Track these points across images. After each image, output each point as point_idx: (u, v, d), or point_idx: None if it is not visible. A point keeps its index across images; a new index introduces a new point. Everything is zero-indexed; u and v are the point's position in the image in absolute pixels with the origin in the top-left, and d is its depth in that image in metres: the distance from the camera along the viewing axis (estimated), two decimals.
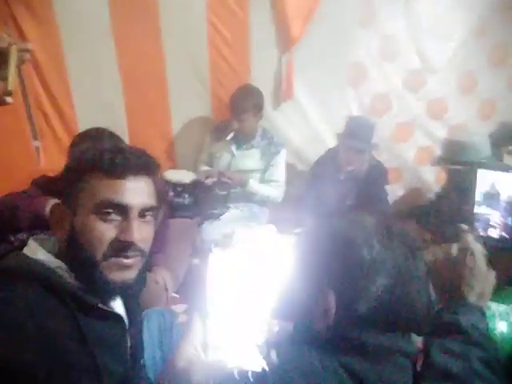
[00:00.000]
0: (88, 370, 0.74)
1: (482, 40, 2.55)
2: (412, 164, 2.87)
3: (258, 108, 2.24)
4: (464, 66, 2.62)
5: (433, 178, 2.91)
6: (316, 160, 2.42)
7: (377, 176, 2.27)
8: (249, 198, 2.43)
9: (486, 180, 1.05)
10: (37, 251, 0.79)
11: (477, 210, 1.08)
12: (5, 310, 0.65)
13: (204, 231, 2.29)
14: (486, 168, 1.07)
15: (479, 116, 2.76)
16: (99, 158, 0.78)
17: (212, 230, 2.30)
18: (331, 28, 2.38)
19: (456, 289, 0.75)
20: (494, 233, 1.07)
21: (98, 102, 2.31)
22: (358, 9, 2.40)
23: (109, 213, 0.76)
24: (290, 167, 2.70)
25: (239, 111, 2.18)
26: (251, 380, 0.59)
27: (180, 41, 2.30)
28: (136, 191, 0.78)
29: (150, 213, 0.82)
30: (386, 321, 0.63)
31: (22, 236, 1.30)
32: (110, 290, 0.79)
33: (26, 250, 0.81)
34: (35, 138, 2.27)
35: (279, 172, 2.41)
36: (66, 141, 2.30)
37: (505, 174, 1.03)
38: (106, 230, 0.76)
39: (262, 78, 2.42)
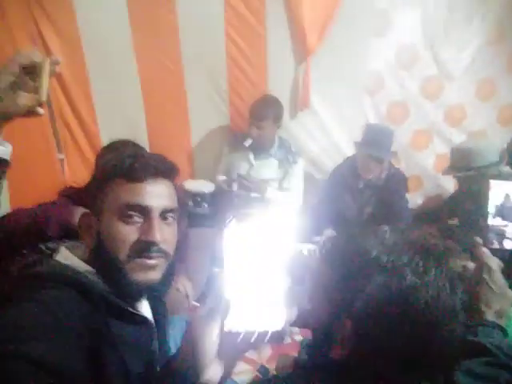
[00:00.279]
0: (118, 374, 0.75)
1: (500, 46, 2.53)
2: (431, 171, 2.84)
3: (278, 117, 2.27)
4: (482, 72, 2.60)
5: (452, 186, 2.88)
6: (334, 168, 2.43)
7: (396, 184, 2.26)
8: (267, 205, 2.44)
9: (499, 191, 1.03)
10: (68, 257, 0.82)
11: (491, 221, 1.06)
12: (41, 313, 0.66)
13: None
14: (499, 179, 1.05)
15: (499, 122, 2.72)
16: (120, 164, 0.81)
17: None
18: (347, 38, 2.40)
19: (474, 307, 0.73)
20: (510, 244, 1.04)
21: (119, 115, 2.38)
22: (374, 19, 2.42)
23: (131, 215, 0.79)
24: (307, 176, 2.71)
25: (259, 118, 2.22)
26: (269, 339, 0.62)
27: (198, 54, 2.35)
28: (156, 193, 0.81)
29: (172, 214, 0.83)
30: (410, 357, 0.59)
31: (52, 245, 1.33)
32: (135, 291, 0.82)
33: (57, 257, 0.83)
34: (60, 151, 2.34)
35: (297, 181, 2.43)
36: (89, 154, 2.39)
37: None
38: (129, 232, 0.78)
39: (279, 89, 2.46)
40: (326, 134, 2.64)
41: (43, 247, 1.36)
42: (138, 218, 0.79)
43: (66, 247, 0.86)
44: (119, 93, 2.35)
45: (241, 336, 0.63)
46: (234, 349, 0.66)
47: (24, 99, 0.71)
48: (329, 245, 0.73)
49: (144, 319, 0.85)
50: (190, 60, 2.37)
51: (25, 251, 1.38)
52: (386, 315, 0.60)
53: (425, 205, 2.88)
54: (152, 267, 0.80)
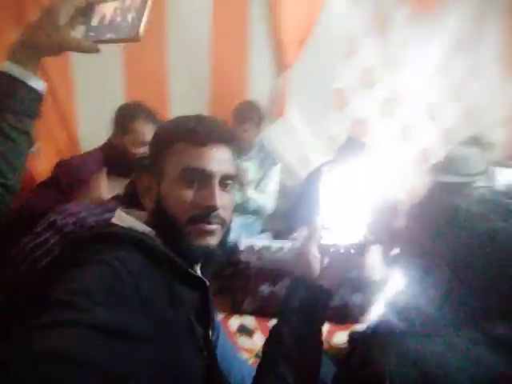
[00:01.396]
0: (185, 334, 0.75)
1: (443, 76, 2.97)
2: (386, 182, 3.15)
3: (260, 120, 2.40)
4: (428, 98, 3.02)
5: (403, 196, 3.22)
6: (311, 171, 2.60)
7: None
8: (244, 208, 2.53)
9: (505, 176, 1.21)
10: (126, 219, 0.81)
11: None
12: (106, 274, 0.65)
13: None
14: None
15: (443, 140, 3.15)
16: (182, 127, 0.81)
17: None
18: (320, 57, 2.66)
19: None
20: None
21: (100, 110, 2.32)
22: (342, 42, 2.72)
23: (192, 179, 0.78)
24: (279, 182, 2.87)
25: (242, 120, 2.32)
26: (353, 251, 0.81)
27: (184, 58, 2.43)
28: (218, 159, 0.80)
29: (230, 182, 0.83)
30: None
31: (70, 219, 1.29)
32: (194, 255, 0.81)
33: (115, 220, 0.82)
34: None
35: (273, 184, 2.55)
36: (66, 149, 2.29)
37: None
38: (190, 196, 0.78)
39: (257, 98, 2.60)
40: (298, 143, 2.83)
41: (58, 222, 1.30)
42: (198, 182, 0.79)
43: (122, 211, 0.84)
44: (101, 88, 2.30)
45: (332, 248, 0.82)
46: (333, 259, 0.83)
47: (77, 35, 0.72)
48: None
49: (203, 283, 0.84)
50: (175, 62, 2.42)
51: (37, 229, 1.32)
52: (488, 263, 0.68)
53: None
54: (210, 232, 0.79)
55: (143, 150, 1.70)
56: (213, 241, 0.80)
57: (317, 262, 0.82)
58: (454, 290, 0.71)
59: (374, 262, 1.11)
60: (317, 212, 0.83)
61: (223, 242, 0.85)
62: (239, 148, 0.91)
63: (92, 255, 0.68)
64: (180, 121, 0.83)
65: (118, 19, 0.71)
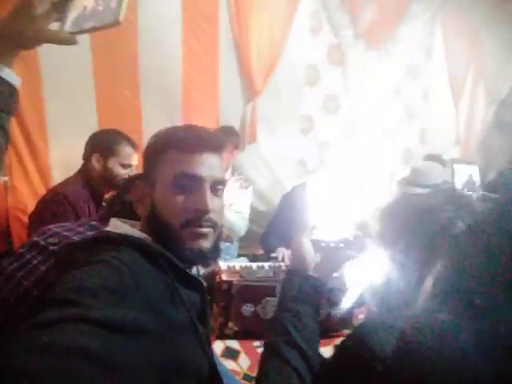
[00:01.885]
0: (189, 332, 0.77)
1: (399, 100, 3.21)
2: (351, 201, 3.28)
3: (235, 147, 2.47)
4: (387, 121, 3.24)
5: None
6: (284, 195, 2.67)
7: None
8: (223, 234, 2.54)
9: (463, 172, 1.37)
10: (121, 227, 0.83)
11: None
12: (111, 275, 0.66)
13: None
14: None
15: (402, 160, 3.35)
16: (172, 136, 0.84)
17: None
18: (286, 85, 2.81)
19: None
20: None
21: (72, 140, 2.31)
22: (306, 71, 2.90)
23: (184, 184, 0.81)
24: (252, 207, 2.92)
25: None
26: (342, 245, 0.90)
27: (156, 87, 2.49)
28: (208, 164, 0.83)
29: (221, 187, 0.86)
30: None
31: (53, 240, 1.27)
32: (189, 258, 0.83)
33: (110, 228, 0.84)
34: (4, 174, 2.16)
35: (246, 205, 2.59)
36: (36, 178, 2.24)
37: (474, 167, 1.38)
38: (182, 201, 0.80)
39: (229, 123, 2.68)
40: (269, 168, 2.92)
41: (42, 242, 1.28)
42: (190, 188, 0.81)
43: (114, 220, 0.86)
44: (74, 118, 2.31)
45: (322, 243, 0.91)
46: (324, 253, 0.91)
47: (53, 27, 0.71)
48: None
49: (201, 284, 0.87)
50: (148, 93, 2.48)
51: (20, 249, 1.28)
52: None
53: None
54: (203, 235, 0.81)
55: (127, 172, 1.77)
56: (206, 243, 0.82)
57: (311, 255, 0.88)
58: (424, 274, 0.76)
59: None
60: (306, 214, 0.91)
61: (216, 245, 0.88)
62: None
63: (91, 257, 0.69)
64: (171, 131, 0.87)
65: (100, 8, 0.73)
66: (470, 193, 1.30)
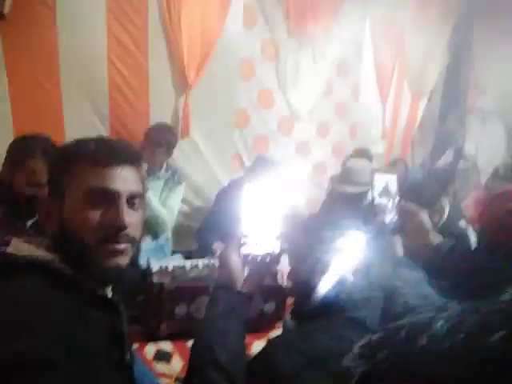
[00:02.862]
0: (100, 357, 0.74)
1: (329, 98, 3.31)
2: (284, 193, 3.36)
3: (172, 146, 2.40)
4: (319, 116, 3.33)
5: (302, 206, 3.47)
6: (220, 190, 2.66)
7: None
8: (154, 231, 2.48)
9: (381, 180, 1.45)
10: (25, 248, 0.77)
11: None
12: (8, 305, 0.63)
13: None
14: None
15: (333, 156, 3.48)
16: (84, 148, 0.79)
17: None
18: (221, 79, 2.77)
19: None
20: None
21: None
22: (240, 65, 2.87)
23: (97, 200, 0.77)
24: (188, 202, 2.88)
25: (154, 145, 2.29)
26: (268, 260, 0.92)
27: (79, 78, 2.33)
28: (123, 178, 0.79)
29: (138, 200, 0.83)
30: None
31: None
32: (105, 276, 0.80)
33: (11, 250, 0.77)
34: None
35: (175, 199, 2.52)
36: None
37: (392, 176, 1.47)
38: (96, 217, 0.76)
39: (160, 117, 2.59)
40: (204, 163, 2.88)
41: None
42: (104, 203, 0.77)
43: (19, 239, 0.79)
44: None
45: (250, 257, 0.92)
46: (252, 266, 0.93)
47: None
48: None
49: (113, 303, 0.83)
50: (70, 84, 2.31)
51: None
52: None
53: None
54: (120, 252, 0.78)
55: (35, 191, 1.46)
56: (123, 260, 0.79)
57: (238, 269, 0.89)
58: None
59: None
60: (236, 223, 0.91)
61: (134, 260, 0.85)
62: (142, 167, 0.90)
63: None
64: (81, 143, 0.81)
65: None
66: (386, 200, 1.39)
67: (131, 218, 0.79)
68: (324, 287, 0.95)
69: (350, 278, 0.95)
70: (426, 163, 4.08)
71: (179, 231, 2.71)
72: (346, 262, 0.98)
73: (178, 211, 2.58)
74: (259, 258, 0.91)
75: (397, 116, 3.76)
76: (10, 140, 2.15)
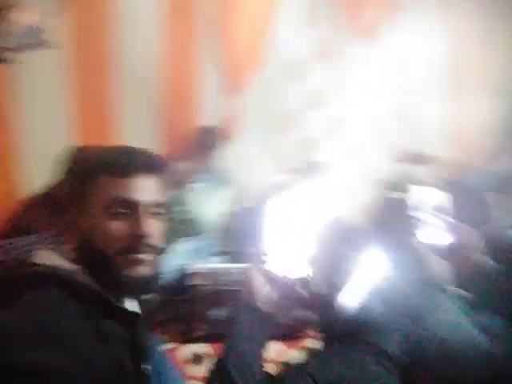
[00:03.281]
0: (114, 371, 0.74)
1: (387, 94, 3.12)
2: (335, 199, 3.24)
3: (218, 148, 2.44)
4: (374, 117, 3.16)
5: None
6: (263, 192, 2.62)
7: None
8: (198, 232, 2.52)
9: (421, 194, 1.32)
10: (50, 258, 0.79)
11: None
12: (28, 316, 0.64)
13: None
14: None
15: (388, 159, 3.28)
16: (104, 159, 0.81)
17: (163, 263, 2.32)
18: (271, 79, 2.72)
19: None
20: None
21: (38, 132, 2.22)
22: (291, 65, 2.80)
23: (119, 210, 0.78)
24: (233, 204, 2.87)
25: (201, 147, 2.33)
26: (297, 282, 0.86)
27: (130, 80, 2.39)
28: (144, 187, 0.80)
29: (159, 209, 0.83)
30: None
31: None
32: (126, 287, 0.80)
33: (36, 260, 0.78)
34: None
35: (220, 202, 2.56)
36: None
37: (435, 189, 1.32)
38: (118, 228, 0.77)
39: (210, 119, 2.62)
40: (252, 165, 2.86)
41: None
42: (126, 213, 0.78)
43: (44, 250, 0.82)
44: (41, 107, 2.18)
45: (276, 277, 0.86)
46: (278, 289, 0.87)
47: None
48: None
49: (134, 315, 0.83)
50: (122, 84, 2.38)
51: None
52: None
53: None
54: (141, 262, 0.79)
55: None
56: (144, 270, 0.79)
57: (261, 287, 0.85)
58: None
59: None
60: (263, 238, 0.88)
61: (157, 270, 0.84)
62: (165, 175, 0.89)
63: (10, 297, 0.66)
64: (101, 153, 0.83)
65: (33, 26, 0.69)
66: (426, 215, 1.26)
67: (152, 228, 0.79)
68: (350, 306, 0.89)
69: (376, 297, 0.88)
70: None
71: (223, 232, 2.71)
72: (373, 280, 0.91)
73: (222, 212, 2.60)
74: (287, 280, 0.85)
75: (466, 116, 3.43)
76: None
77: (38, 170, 1.88)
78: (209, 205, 2.49)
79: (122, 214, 0.78)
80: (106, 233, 0.77)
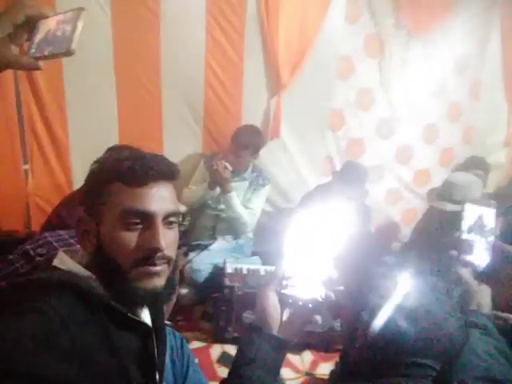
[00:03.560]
0: (122, 377, 0.74)
1: (443, 96, 2.93)
2: (381, 204, 3.10)
3: (257, 148, 2.41)
4: (427, 118, 2.98)
5: (399, 218, 3.18)
6: (306, 193, 2.57)
7: (363, 216, 2.46)
8: (235, 231, 2.52)
9: (473, 213, 1.20)
10: (67, 262, 0.80)
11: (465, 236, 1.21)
12: (39, 323, 0.64)
13: (194, 261, 2.32)
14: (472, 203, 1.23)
15: (441, 161, 3.09)
16: (119, 167, 0.77)
17: (201, 260, 2.35)
18: (315, 78, 2.64)
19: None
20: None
21: (92, 130, 2.35)
22: (339, 63, 2.70)
23: (133, 221, 0.76)
24: (273, 204, 2.85)
25: (240, 147, 2.32)
26: (311, 306, 0.79)
27: (178, 79, 2.43)
28: (159, 198, 0.77)
29: (174, 219, 0.81)
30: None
31: (41, 250, 1.29)
32: (140, 299, 0.79)
33: (56, 263, 0.81)
34: (25, 163, 2.25)
35: (258, 202, 2.53)
36: (56, 164, 2.32)
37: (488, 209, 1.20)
38: (132, 239, 0.75)
39: (252, 118, 2.59)
40: (292, 164, 2.81)
41: (31, 252, 1.31)
42: (140, 224, 0.76)
43: (65, 252, 0.83)
44: (94, 107, 2.33)
45: (291, 299, 0.80)
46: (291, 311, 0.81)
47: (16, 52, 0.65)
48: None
49: (146, 326, 0.82)
50: (169, 84, 2.43)
51: (11, 256, 1.32)
52: None
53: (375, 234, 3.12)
54: (156, 274, 0.78)
55: None
56: (159, 282, 0.78)
57: (276, 311, 0.79)
58: None
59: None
60: (281, 257, 0.82)
61: (170, 280, 0.84)
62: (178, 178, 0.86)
63: (26, 302, 0.67)
64: (116, 160, 0.80)
65: (59, 33, 0.69)
66: (477, 237, 1.15)
67: (167, 238, 0.78)
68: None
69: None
70: None
71: (262, 232, 2.70)
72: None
73: (261, 212, 2.58)
74: (301, 303, 0.80)
75: None
76: (116, 136, 2.39)
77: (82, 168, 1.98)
78: (247, 204, 2.48)
79: (137, 225, 0.76)
80: (121, 244, 0.75)
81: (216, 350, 1.95)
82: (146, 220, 0.76)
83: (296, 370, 1.88)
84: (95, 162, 0.83)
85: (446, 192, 2.09)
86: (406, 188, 3.11)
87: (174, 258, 0.81)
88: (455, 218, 1.98)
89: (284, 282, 0.81)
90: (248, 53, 2.50)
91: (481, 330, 0.89)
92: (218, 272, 2.25)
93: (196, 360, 1.71)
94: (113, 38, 2.25)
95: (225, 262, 2.21)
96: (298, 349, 2.00)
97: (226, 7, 2.38)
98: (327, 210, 0.83)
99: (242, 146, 2.32)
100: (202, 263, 2.31)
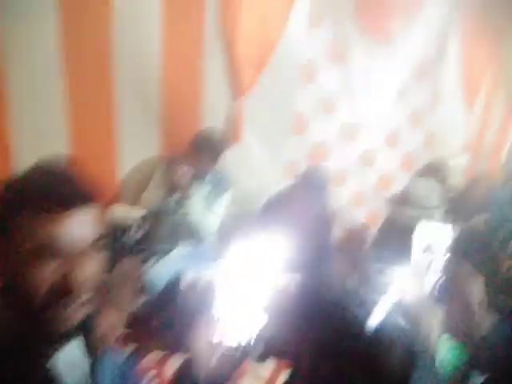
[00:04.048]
0: None
1: (405, 101, 2.97)
2: (345, 207, 3.12)
3: (218, 153, 2.36)
4: (389, 123, 3.01)
5: (364, 221, 3.20)
6: (266, 201, 2.54)
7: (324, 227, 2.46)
8: (196, 236, 2.46)
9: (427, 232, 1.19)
10: None
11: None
12: None
13: (152, 270, 2.25)
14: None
15: (402, 168, 3.14)
16: (30, 193, 0.68)
17: (159, 268, 2.27)
18: (278, 82, 2.61)
19: None
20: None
21: (38, 132, 2.20)
22: (303, 67, 2.69)
23: (49, 253, 0.66)
24: (237, 207, 2.80)
25: (200, 151, 2.26)
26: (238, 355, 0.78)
27: (133, 79, 2.33)
28: (77, 225, 0.69)
29: (98, 242, 0.73)
30: None
31: None
32: (62, 334, 0.72)
33: None
34: None
35: (221, 206, 2.49)
36: None
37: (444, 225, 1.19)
38: (48, 272, 0.66)
39: (213, 120, 2.54)
40: (256, 168, 2.78)
41: None
42: (57, 256, 0.66)
43: None
44: (39, 107, 2.18)
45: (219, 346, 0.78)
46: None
47: None
48: None
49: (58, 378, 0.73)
50: (124, 84, 2.32)
51: None
52: None
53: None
54: (78, 309, 0.70)
55: None
56: (82, 314, 0.71)
57: (204, 358, 0.79)
58: None
59: None
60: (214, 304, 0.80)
61: (94, 309, 0.76)
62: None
63: None
64: (27, 184, 0.70)
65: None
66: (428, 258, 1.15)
67: (90, 267, 0.70)
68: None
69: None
70: None
71: (226, 235, 2.65)
72: None
73: (225, 216, 2.53)
74: (227, 351, 0.78)
75: (485, 127, 3.26)
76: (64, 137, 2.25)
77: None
78: (209, 209, 2.43)
79: (52, 257, 0.66)
80: (33, 281, 0.66)
81: (177, 360, 1.89)
82: (61, 252, 0.67)
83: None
84: (5, 187, 0.71)
85: (405, 198, 2.11)
86: (370, 191, 3.14)
87: (98, 281, 0.73)
88: (413, 226, 2.02)
89: (214, 327, 0.79)
90: (208, 53, 2.44)
91: None
92: (175, 281, 2.19)
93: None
94: (61, 35, 2.11)
95: (181, 273, 2.15)
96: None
97: (183, 4, 2.31)
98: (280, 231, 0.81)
99: (202, 149, 2.27)
100: (161, 271, 2.24)
